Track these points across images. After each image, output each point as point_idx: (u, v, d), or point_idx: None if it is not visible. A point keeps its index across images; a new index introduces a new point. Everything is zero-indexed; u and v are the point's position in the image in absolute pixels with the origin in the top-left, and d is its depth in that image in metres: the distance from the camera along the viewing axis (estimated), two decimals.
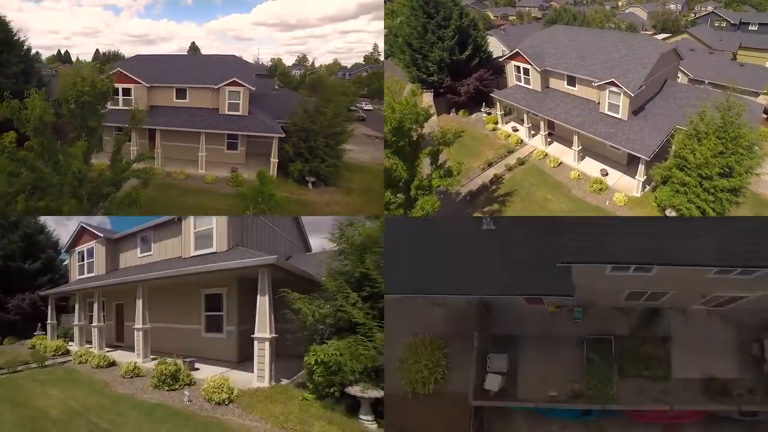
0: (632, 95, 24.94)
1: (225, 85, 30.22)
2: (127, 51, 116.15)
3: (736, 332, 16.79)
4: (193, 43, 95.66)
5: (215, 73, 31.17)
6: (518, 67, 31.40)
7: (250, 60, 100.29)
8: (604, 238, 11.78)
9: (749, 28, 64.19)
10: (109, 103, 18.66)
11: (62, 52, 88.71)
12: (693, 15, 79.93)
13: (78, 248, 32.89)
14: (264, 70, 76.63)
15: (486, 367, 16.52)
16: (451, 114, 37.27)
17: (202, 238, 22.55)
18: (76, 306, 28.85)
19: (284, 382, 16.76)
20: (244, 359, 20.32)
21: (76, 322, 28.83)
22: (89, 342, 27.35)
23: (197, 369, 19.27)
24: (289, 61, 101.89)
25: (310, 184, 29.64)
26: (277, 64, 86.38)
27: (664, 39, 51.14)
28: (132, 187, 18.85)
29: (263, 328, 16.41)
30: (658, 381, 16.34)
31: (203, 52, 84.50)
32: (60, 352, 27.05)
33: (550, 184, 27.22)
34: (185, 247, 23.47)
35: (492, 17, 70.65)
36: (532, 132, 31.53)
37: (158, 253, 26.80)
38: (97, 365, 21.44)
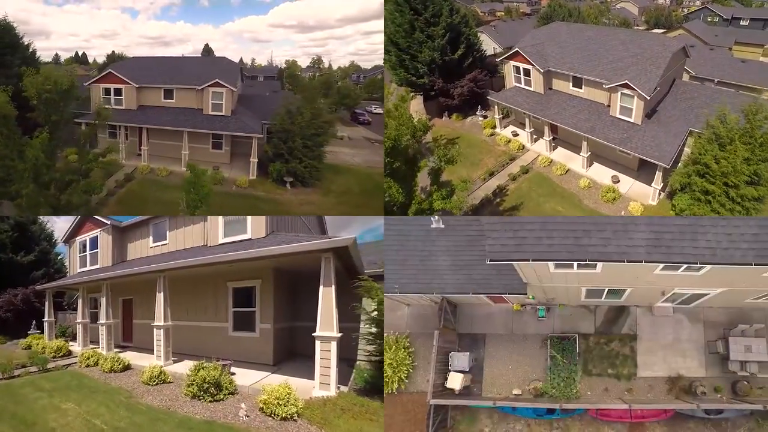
0: (648, 98, 25.70)
1: (208, 86, 33.47)
2: (144, 53, 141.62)
3: (704, 330, 18.40)
4: (207, 45, 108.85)
5: (200, 75, 34.43)
6: (517, 68, 32.02)
7: (264, 62, 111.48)
8: (543, 236, 12.71)
9: (740, 23, 69.48)
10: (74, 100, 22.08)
11: (80, 53, 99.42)
12: (681, 10, 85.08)
13: (79, 238, 32.87)
14: (274, 72, 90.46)
15: (449, 365, 17.87)
16: (444, 118, 37.76)
17: (233, 224, 22.93)
18: (79, 302, 29.01)
19: (343, 389, 16.18)
20: (279, 361, 20.71)
21: (79, 320, 28.83)
22: (93, 342, 27.81)
23: (233, 374, 18.49)
24: (306, 63, 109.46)
25: (288, 185, 32.11)
26: (291, 66, 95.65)
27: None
28: (115, 180, 22.24)
29: (328, 325, 15.40)
30: (623, 379, 17.93)
31: (219, 54, 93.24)
32: (61, 354, 26.86)
33: (559, 194, 27.68)
34: (211, 235, 23.80)
35: (479, 13, 73.13)
36: (534, 136, 32.10)
37: (175, 242, 26.96)
38: (110, 369, 20.95)
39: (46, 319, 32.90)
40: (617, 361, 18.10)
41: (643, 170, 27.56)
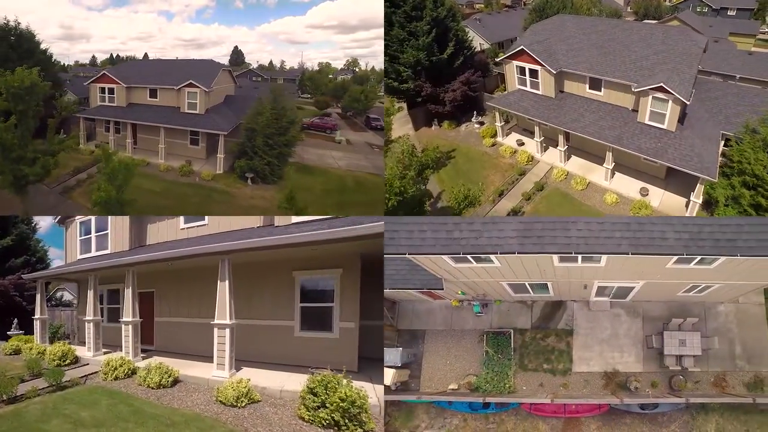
0: (687, 102, 28.81)
1: (184, 86, 45.35)
2: (178, 55, 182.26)
3: (642, 324, 23.69)
4: (236, 47, 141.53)
5: (179, 76, 46.43)
6: (522, 69, 36.24)
7: (295, 64, 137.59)
8: (414, 230, 16.82)
9: (728, 13, 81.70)
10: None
11: (114, 56, 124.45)
12: (669, 0, 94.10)
13: (81, 218, 35.66)
14: (295, 75, 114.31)
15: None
16: (433, 127, 41.56)
17: None
18: (90, 294, 29.94)
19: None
20: (361, 368, 22.42)
21: (90, 317, 29.80)
22: (89, 343, 29.43)
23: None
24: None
25: (249, 180, 41.04)
26: (325, 68, 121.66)
27: None
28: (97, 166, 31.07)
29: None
30: (558, 374, 23.27)
31: (254, 56, 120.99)
32: (67, 362, 27.85)
33: (585, 214, 30.44)
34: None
35: (456, 5, 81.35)
36: (544, 145, 36.11)
37: (215, 221, 29.37)
38: (159, 384, 21.58)
39: (37, 316, 34.49)
40: (553, 356, 23.60)
41: (672, 178, 31.52)
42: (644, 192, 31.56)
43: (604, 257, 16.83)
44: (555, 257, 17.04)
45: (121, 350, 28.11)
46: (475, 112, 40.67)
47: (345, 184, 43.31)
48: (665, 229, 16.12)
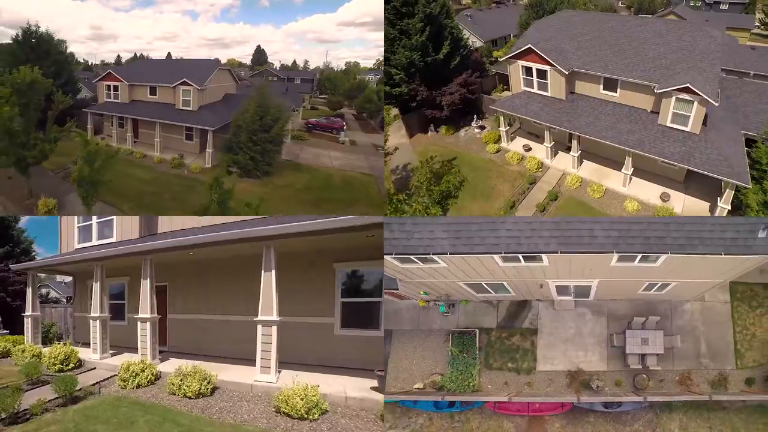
0: (716, 104, 31.72)
1: (178, 84, 56.04)
2: (203, 55, 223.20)
3: (607, 323, 28.19)
4: (258, 47, 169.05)
5: (176, 75, 57.01)
6: (529, 69, 39.96)
7: (320, 63, 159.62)
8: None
9: (720, 8, 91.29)
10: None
11: (138, 55, 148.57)
12: None
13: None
14: (312, 75, 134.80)
15: None
16: (429, 133, 44.19)
17: None
18: (96, 287, 31.11)
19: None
20: None
21: (96, 314, 30.82)
22: (85, 343, 31.70)
23: None
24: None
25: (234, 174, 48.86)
26: (351, 68, 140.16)
27: None
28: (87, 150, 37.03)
29: None
30: (523, 373, 27.81)
31: (281, 56, 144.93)
32: (70, 366, 29.00)
33: None
34: None
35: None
36: (554, 150, 39.55)
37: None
38: (198, 393, 22.31)
39: (28, 312, 35.96)
40: (518, 355, 28.30)
41: (691, 182, 35.34)
42: (665, 197, 35.07)
43: (545, 256, 20.11)
44: (497, 257, 20.24)
45: (125, 352, 30.59)
46: (475, 116, 43.86)
47: (330, 182, 51.34)
48: (594, 227, 19.40)
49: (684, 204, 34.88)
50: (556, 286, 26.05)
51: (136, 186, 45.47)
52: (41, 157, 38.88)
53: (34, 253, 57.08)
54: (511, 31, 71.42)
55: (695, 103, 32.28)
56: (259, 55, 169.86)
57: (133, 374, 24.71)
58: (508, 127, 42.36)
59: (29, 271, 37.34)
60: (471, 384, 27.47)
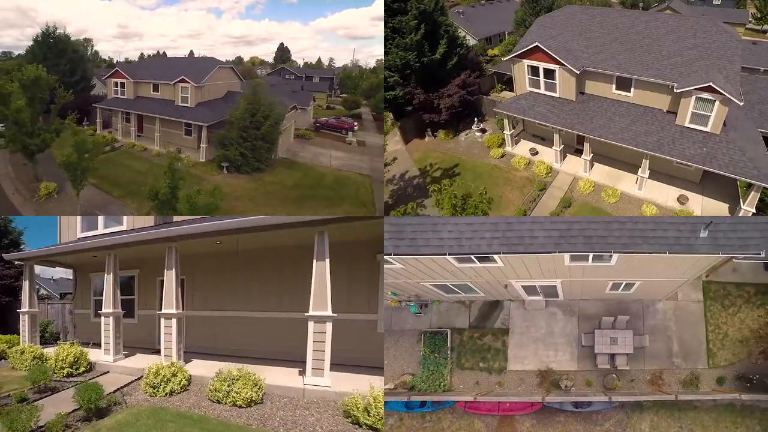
0: (740, 103, 34.11)
1: (177, 81, 65.26)
2: (227, 53, 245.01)
3: (578, 323, 31.97)
4: (282, 44, 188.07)
5: (176, 72, 66.42)
6: (535, 69, 43.00)
7: (348, 62, 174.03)
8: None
9: (713, 2, 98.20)
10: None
11: (162, 53, 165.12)
12: None
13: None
14: (331, 74, 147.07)
15: None
16: (426, 138, 46.27)
17: None
18: (107, 279, 31.38)
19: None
20: None
21: (109, 309, 31.11)
22: (86, 343, 32.27)
23: None
24: None
25: (224, 169, 56.80)
26: (380, 66, 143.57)
27: None
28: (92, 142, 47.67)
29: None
30: (494, 373, 31.74)
31: (307, 53, 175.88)
32: (80, 369, 29.49)
33: None
34: None
35: None
36: (562, 154, 42.37)
37: None
38: (249, 401, 22.17)
39: (25, 309, 36.66)
40: (489, 354, 32.42)
41: (708, 182, 38.28)
42: (683, 200, 38.07)
43: (498, 258, 22.56)
44: (451, 258, 22.69)
45: (138, 353, 32.40)
46: (476, 119, 46.58)
47: (321, 181, 57.57)
48: (534, 227, 21.73)
49: (702, 206, 37.63)
50: (522, 286, 29.68)
51: (129, 176, 53.26)
52: (43, 145, 47.44)
53: (23, 246, 59.38)
54: (506, 28, 75.49)
55: (716, 103, 34.78)
56: (282, 52, 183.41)
57: (164, 379, 24.43)
58: (512, 131, 44.96)
59: (26, 262, 37.89)
60: (442, 384, 31.48)
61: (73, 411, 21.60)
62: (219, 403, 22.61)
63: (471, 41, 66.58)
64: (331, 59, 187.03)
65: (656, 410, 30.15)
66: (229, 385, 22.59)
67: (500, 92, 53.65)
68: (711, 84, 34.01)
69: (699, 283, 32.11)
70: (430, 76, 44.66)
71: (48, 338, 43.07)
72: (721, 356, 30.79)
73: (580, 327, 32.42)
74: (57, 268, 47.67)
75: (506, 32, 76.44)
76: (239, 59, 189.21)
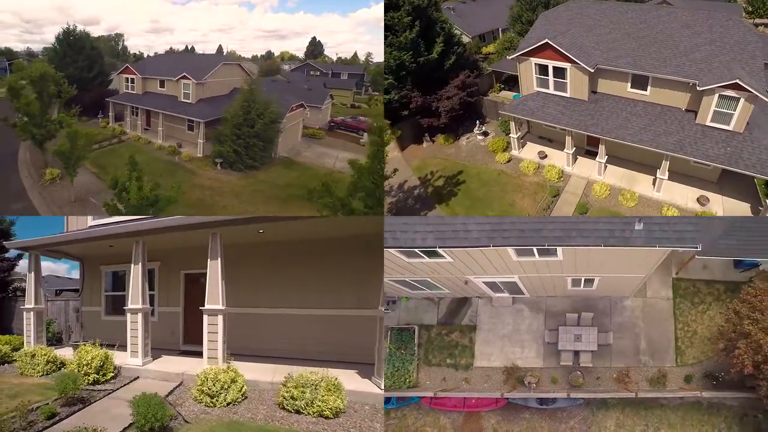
0: (766, 100, 35.87)
1: (180, 78, 75.99)
2: (259, 47, 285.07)
3: (545, 320, 36.02)
4: (314, 38, 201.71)
5: (179, 69, 77.34)
6: (544, 67, 45.74)
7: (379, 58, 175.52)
8: None
9: None
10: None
11: (189, 48, 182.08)
12: None
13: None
14: (360, 70, 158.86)
15: None
16: (425, 144, 48.53)
17: None
18: (134, 270, 32.11)
19: None
20: None
21: (137, 305, 31.70)
22: (109, 345, 31.44)
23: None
24: None
25: (218, 165, 65.44)
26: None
27: None
28: (109, 141, 74.74)
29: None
30: (461, 369, 36.10)
31: (347, 47, 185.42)
32: (107, 376, 29.39)
33: None
34: None
35: None
36: (574, 156, 45.29)
37: None
38: (337, 410, 22.69)
39: (30, 305, 37.37)
40: (456, 351, 36.77)
41: (726, 181, 41.61)
42: (704, 201, 41.19)
43: (445, 253, 25.56)
44: (394, 251, 25.90)
45: (164, 354, 34.51)
46: (477, 122, 49.33)
47: (312, 181, 57.60)
48: (468, 221, 24.54)
49: (723, 207, 40.78)
50: (484, 283, 33.55)
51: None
52: (48, 135, 57.24)
53: (14, 238, 57.47)
54: (500, 24, 79.30)
55: (741, 101, 37.26)
56: (314, 47, 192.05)
57: (223, 387, 24.10)
58: (520, 134, 48.03)
59: (31, 252, 38.31)
60: (408, 380, 35.71)
61: (124, 429, 21.29)
62: (298, 413, 22.60)
63: (465, 39, 69.03)
64: (369, 54, 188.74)
65: (622, 408, 34.01)
66: (311, 392, 22.67)
67: (499, 92, 56.01)
68: (738, 81, 36.28)
69: (669, 279, 35.71)
70: (427, 78, 47.41)
71: (50, 339, 42.57)
72: (690, 354, 34.57)
73: (547, 324, 36.79)
74: (45, 264, 44.82)
75: (500, 29, 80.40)
76: (269, 54, 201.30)
